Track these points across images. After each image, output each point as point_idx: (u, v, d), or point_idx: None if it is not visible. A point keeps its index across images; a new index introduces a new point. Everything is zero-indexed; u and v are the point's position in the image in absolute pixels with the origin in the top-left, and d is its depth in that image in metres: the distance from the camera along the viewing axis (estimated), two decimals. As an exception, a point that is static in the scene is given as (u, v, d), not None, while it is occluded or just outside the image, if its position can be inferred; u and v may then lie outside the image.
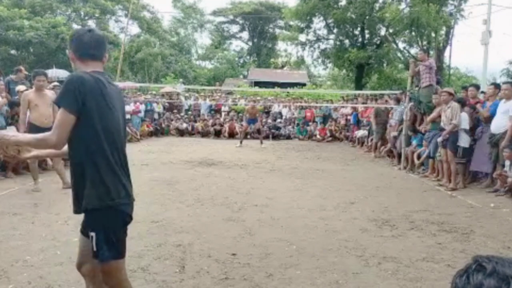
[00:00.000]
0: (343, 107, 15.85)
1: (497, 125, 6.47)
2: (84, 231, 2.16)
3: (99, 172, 2.01)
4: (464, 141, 6.85)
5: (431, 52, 19.23)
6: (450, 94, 7.05)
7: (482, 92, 8.36)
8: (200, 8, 41.68)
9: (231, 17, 42.25)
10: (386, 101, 11.59)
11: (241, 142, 12.84)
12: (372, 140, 11.59)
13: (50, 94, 6.16)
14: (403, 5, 20.47)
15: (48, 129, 2.20)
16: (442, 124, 7.01)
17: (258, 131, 13.90)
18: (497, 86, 7.17)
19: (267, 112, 17.63)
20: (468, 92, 7.72)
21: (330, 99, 18.06)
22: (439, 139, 6.98)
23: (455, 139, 6.78)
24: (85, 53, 2.05)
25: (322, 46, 24.93)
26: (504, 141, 6.17)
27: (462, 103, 7.04)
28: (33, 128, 5.72)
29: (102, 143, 2.00)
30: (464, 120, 6.81)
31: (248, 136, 15.38)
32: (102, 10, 29.41)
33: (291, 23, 26.80)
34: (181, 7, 40.67)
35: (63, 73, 14.07)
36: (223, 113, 17.58)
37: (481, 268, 0.81)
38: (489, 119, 6.74)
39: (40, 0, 26.06)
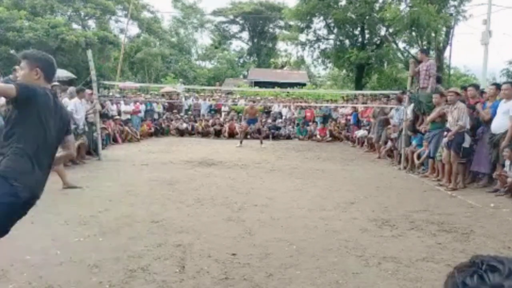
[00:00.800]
0: (343, 107, 15.85)
1: (497, 125, 6.47)
2: None
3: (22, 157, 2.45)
4: (465, 141, 6.84)
5: (431, 52, 19.22)
6: (457, 94, 7.02)
7: (483, 92, 8.34)
8: (200, 8, 41.71)
9: (231, 17, 42.26)
10: (386, 102, 11.57)
11: (241, 142, 12.82)
12: (372, 140, 11.57)
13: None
14: (403, 5, 20.46)
15: None
16: (448, 125, 6.96)
17: (259, 131, 13.89)
18: (497, 86, 7.16)
19: (267, 112, 17.63)
20: (468, 92, 7.71)
21: (330, 99, 18.06)
22: (445, 140, 6.94)
23: (460, 140, 6.76)
24: (50, 76, 2.67)
25: (322, 46, 24.91)
26: (505, 141, 6.17)
27: (463, 102, 7.03)
28: None
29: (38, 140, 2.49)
30: (467, 120, 6.80)
31: (248, 136, 15.37)
32: (102, 10, 29.40)
33: (291, 23, 26.78)
34: (181, 7, 40.68)
35: (62, 73, 14.06)
36: (223, 113, 17.58)
37: (494, 268, 0.79)
38: (489, 120, 6.74)
39: (40, 1, 26.06)
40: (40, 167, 2.58)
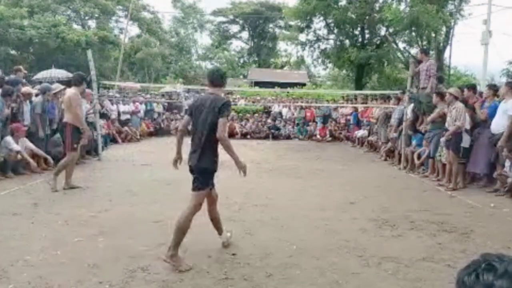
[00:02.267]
0: (343, 107, 15.84)
1: (497, 125, 6.46)
2: None
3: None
4: (465, 141, 6.85)
5: (431, 52, 19.21)
6: (451, 95, 6.99)
7: (482, 92, 8.34)
8: (200, 8, 41.70)
9: (231, 17, 42.25)
10: (384, 101, 11.57)
11: None
12: (377, 141, 11.50)
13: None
14: (403, 5, 20.46)
15: None
16: (446, 124, 6.97)
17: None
18: (492, 87, 7.16)
19: (267, 112, 17.63)
20: (464, 93, 7.68)
21: (331, 99, 18.04)
22: (442, 139, 6.95)
23: (458, 140, 6.76)
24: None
25: (322, 46, 24.91)
26: (501, 140, 6.16)
27: (463, 103, 7.03)
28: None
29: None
30: (466, 120, 6.81)
31: (248, 136, 15.38)
32: (102, 10, 29.38)
33: (291, 23, 26.80)
34: (181, 7, 40.66)
35: (60, 73, 14.02)
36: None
37: (492, 267, 0.80)
38: (485, 121, 6.74)
39: (38, 1, 26.05)
40: None
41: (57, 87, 8.66)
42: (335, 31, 23.46)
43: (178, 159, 3.78)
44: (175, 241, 3.36)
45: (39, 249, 3.64)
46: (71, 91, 6.10)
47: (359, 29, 23.01)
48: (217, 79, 3.62)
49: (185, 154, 3.72)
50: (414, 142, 8.78)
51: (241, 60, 44.04)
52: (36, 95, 7.96)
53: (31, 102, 7.72)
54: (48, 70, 13.99)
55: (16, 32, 22.75)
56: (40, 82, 10.67)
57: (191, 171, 3.57)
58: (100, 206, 5.15)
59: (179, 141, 3.74)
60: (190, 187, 3.55)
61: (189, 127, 3.72)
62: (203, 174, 3.52)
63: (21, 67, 8.93)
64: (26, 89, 7.68)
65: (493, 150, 6.55)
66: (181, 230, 3.41)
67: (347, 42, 23.36)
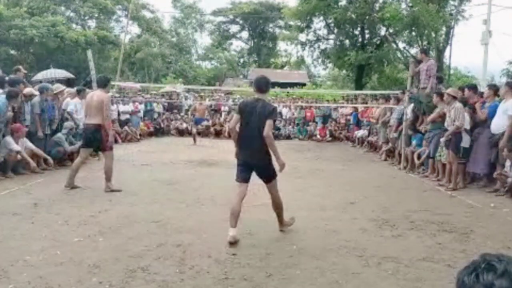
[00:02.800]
0: (343, 107, 15.84)
1: (497, 125, 6.46)
2: None
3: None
4: (465, 141, 6.84)
5: (431, 52, 19.21)
6: (449, 95, 6.98)
7: (482, 92, 8.34)
8: (199, 8, 41.69)
9: (231, 17, 42.26)
10: (386, 100, 11.57)
11: (194, 141, 12.88)
12: (377, 141, 11.50)
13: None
14: (403, 5, 20.46)
15: None
16: (446, 125, 6.98)
17: (207, 129, 14.20)
18: (493, 87, 7.16)
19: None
20: (464, 93, 7.68)
21: (332, 99, 18.04)
22: (442, 140, 6.95)
23: (458, 140, 6.76)
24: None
25: (322, 46, 24.90)
26: (503, 140, 6.16)
27: (464, 103, 7.03)
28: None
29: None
30: (466, 120, 6.81)
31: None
32: (101, 10, 29.38)
33: (291, 23, 26.78)
34: (180, 7, 40.66)
35: (60, 73, 14.04)
36: (223, 113, 17.57)
37: (491, 267, 0.80)
38: (485, 121, 6.74)
39: (37, 2, 26.04)
40: None
41: (58, 87, 8.67)
42: (335, 31, 23.45)
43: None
44: (280, 218, 4.36)
45: (39, 249, 3.64)
46: (101, 94, 6.07)
47: (359, 29, 22.99)
48: (264, 85, 4.18)
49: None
50: (414, 142, 8.79)
51: (241, 60, 44.05)
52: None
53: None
54: (47, 70, 13.98)
55: (16, 32, 22.75)
56: (40, 82, 10.68)
57: (244, 165, 4.25)
58: (100, 206, 5.15)
59: (235, 137, 4.31)
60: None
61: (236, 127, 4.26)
62: (268, 168, 4.23)
63: (20, 67, 8.93)
64: (28, 90, 7.68)
65: (493, 150, 6.55)
66: (280, 206, 4.34)
67: (347, 42, 23.35)
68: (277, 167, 4.22)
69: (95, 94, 6.18)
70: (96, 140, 6.04)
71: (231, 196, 5.90)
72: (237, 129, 4.24)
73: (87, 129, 6.08)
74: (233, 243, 3.86)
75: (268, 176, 4.28)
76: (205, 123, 14.22)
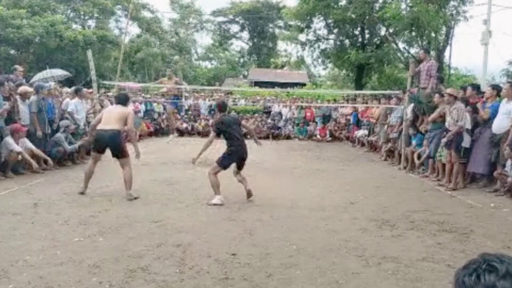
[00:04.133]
0: (343, 107, 15.84)
1: (498, 125, 6.45)
2: None
3: None
4: (465, 141, 6.84)
5: (431, 52, 19.20)
6: (450, 95, 6.98)
7: (483, 92, 8.33)
8: (197, 8, 41.60)
9: (231, 16, 42.24)
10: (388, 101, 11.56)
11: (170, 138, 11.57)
12: (377, 141, 11.48)
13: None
14: (403, 5, 20.44)
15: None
16: (447, 125, 6.96)
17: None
18: (496, 87, 7.15)
19: (267, 112, 17.63)
20: (466, 92, 7.68)
21: (332, 99, 18.02)
22: (443, 140, 6.93)
23: (460, 140, 6.75)
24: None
25: (322, 46, 24.86)
26: (507, 141, 6.15)
27: (465, 102, 7.02)
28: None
29: None
30: (467, 120, 6.80)
31: (248, 136, 15.30)
32: (101, 10, 29.37)
33: (291, 23, 26.77)
34: (178, 7, 40.61)
35: (57, 72, 14.04)
36: (223, 113, 17.54)
37: (493, 268, 0.79)
38: (488, 120, 6.73)
39: (39, 0, 26.04)
40: None
41: (51, 85, 8.71)
42: (335, 31, 23.43)
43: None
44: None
45: (39, 249, 3.64)
46: (125, 108, 6.11)
47: (359, 29, 22.97)
48: (225, 108, 6.34)
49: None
50: (414, 142, 8.78)
51: (241, 60, 44.02)
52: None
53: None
54: (43, 71, 13.96)
55: (13, 31, 22.74)
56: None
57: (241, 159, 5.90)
58: (100, 206, 5.15)
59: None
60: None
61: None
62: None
63: (17, 66, 8.95)
64: (23, 88, 7.67)
65: (494, 150, 6.54)
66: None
67: (347, 42, 23.34)
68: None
69: (117, 108, 6.09)
70: (113, 146, 5.84)
71: (231, 196, 5.92)
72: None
73: (104, 135, 5.79)
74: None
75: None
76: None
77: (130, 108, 6.79)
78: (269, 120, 16.54)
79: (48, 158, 7.42)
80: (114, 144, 5.82)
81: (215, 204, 5.38)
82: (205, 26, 43.49)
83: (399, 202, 5.87)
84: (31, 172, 7.15)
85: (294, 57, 36.69)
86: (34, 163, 7.07)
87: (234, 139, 5.75)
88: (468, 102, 7.27)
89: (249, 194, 5.75)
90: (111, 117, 5.90)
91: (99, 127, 5.90)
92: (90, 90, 9.50)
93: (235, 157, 5.75)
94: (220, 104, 6.39)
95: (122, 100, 6.29)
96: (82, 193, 5.80)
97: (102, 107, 11.63)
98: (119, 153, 5.88)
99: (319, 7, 21.01)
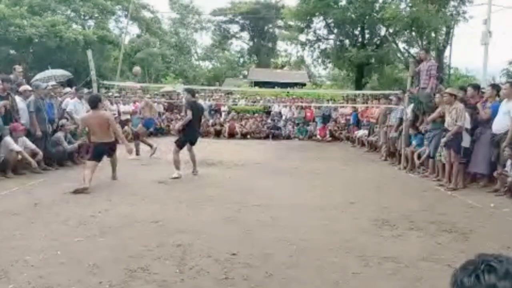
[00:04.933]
0: (343, 107, 15.84)
1: (498, 125, 6.45)
2: None
3: None
4: (465, 141, 6.84)
5: (431, 52, 19.21)
6: (451, 95, 6.98)
7: (482, 92, 8.32)
8: (196, 8, 41.59)
9: (231, 16, 42.24)
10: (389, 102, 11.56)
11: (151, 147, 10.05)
12: (377, 141, 11.48)
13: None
14: (403, 5, 20.46)
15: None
16: (446, 125, 6.96)
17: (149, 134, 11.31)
18: (496, 87, 7.15)
19: (267, 112, 17.64)
20: (468, 93, 7.68)
21: (332, 99, 18.03)
22: (443, 140, 6.93)
23: (459, 140, 6.76)
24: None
25: (322, 46, 24.87)
26: (507, 141, 6.15)
27: (464, 103, 7.02)
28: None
29: None
30: (466, 120, 6.80)
31: (248, 136, 15.38)
32: (101, 10, 29.37)
33: (291, 23, 26.76)
34: (177, 7, 40.60)
35: (58, 73, 14.00)
36: (223, 113, 17.57)
37: (492, 268, 0.79)
38: (488, 120, 6.73)
39: (39, 0, 26.02)
40: None
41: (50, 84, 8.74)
42: (335, 31, 23.44)
43: None
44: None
45: (39, 249, 3.64)
46: (100, 113, 6.47)
47: (359, 29, 22.98)
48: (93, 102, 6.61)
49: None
50: (414, 142, 8.78)
51: (241, 60, 44.03)
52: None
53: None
54: (45, 71, 13.95)
55: (14, 30, 22.73)
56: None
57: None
58: (100, 206, 5.15)
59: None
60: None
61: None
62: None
63: (16, 66, 8.96)
64: (23, 87, 7.72)
65: (494, 150, 6.54)
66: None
67: (347, 42, 23.34)
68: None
69: (95, 115, 6.38)
70: (111, 151, 6.65)
71: (231, 196, 5.93)
72: None
73: (105, 148, 6.43)
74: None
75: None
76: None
77: (107, 112, 7.14)
78: (269, 120, 16.54)
79: (32, 160, 7.07)
80: (112, 150, 6.68)
81: (175, 178, 6.87)
82: (205, 26, 43.50)
83: (399, 202, 5.87)
84: (31, 172, 7.15)
85: (294, 57, 36.75)
86: (33, 162, 7.06)
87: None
88: (466, 102, 7.25)
89: (194, 172, 7.52)
90: (97, 130, 6.37)
91: (96, 140, 6.40)
92: (90, 90, 9.50)
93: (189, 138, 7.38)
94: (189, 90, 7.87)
95: (94, 103, 6.52)
96: (85, 189, 5.83)
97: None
98: (113, 152, 6.76)
99: (319, 7, 21.02)
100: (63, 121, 8.30)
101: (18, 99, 7.57)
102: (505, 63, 19.75)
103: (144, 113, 10.80)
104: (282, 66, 39.80)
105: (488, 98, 7.10)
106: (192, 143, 7.49)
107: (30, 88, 7.69)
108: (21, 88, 7.60)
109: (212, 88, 21.68)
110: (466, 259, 0.85)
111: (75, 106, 8.65)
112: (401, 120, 9.19)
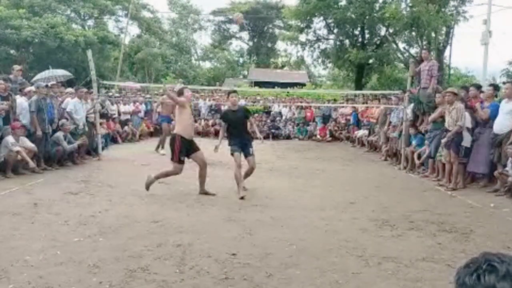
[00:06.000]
0: (343, 107, 15.84)
1: (500, 125, 6.42)
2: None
3: None
4: (466, 140, 6.83)
5: (431, 52, 19.21)
6: (455, 94, 6.99)
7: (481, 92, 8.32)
8: (195, 8, 41.55)
9: (231, 16, 42.20)
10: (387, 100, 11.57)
11: (161, 147, 10.28)
12: (377, 141, 11.48)
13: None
14: (403, 5, 20.45)
15: None
16: (446, 125, 6.95)
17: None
18: (495, 87, 7.14)
19: (267, 112, 17.63)
20: (469, 92, 7.67)
21: (332, 99, 18.02)
22: (443, 141, 6.93)
23: (459, 140, 6.75)
24: None
25: (322, 46, 24.88)
26: (510, 140, 6.14)
27: (464, 103, 7.02)
28: None
29: None
30: (467, 119, 6.79)
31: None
32: (101, 10, 29.37)
33: (291, 23, 26.77)
34: (176, 7, 40.57)
35: (59, 73, 14.01)
36: (223, 113, 17.54)
37: (493, 268, 0.79)
38: (487, 120, 6.73)
39: (39, 0, 26.02)
40: None
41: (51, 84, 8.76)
42: (335, 31, 23.44)
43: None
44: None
45: (39, 249, 3.64)
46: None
47: (359, 29, 22.98)
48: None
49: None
50: (414, 142, 8.78)
51: (241, 60, 44.01)
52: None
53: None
54: (46, 70, 13.96)
55: (13, 32, 22.74)
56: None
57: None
58: (100, 206, 5.15)
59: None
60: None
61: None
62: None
63: (15, 66, 8.97)
64: (28, 88, 7.79)
65: (495, 150, 6.53)
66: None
67: (347, 42, 23.35)
68: None
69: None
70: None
71: (231, 196, 5.93)
72: None
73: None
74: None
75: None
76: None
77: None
78: (269, 120, 16.54)
79: (30, 161, 7.03)
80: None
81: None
82: (205, 26, 43.51)
83: (399, 202, 5.87)
84: (31, 172, 7.15)
85: (294, 57, 36.72)
86: (31, 162, 7.05)
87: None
88: (467, 104, 7.24)
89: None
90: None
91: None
92: (86, 90, 9.48)
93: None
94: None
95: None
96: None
97: (103, 107, 11.65)
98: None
99: (319, 7, 21.02)
100: (63, 121, 8.29)
101: (21, 99, 7.58)
102: (505, 63, 19.74)
103: (162, 111, 11.14)
104: (282, 66, 39.78)
105: (487, 98, 7.10)
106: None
107: (34, 89, 7.70)
108: (27, 89, 7.62)
109: (212, 88, 21.68)
110: (466, 259, 0.85)
111: (75, 106, 8.64)
112: (401, 120, 9.19)
